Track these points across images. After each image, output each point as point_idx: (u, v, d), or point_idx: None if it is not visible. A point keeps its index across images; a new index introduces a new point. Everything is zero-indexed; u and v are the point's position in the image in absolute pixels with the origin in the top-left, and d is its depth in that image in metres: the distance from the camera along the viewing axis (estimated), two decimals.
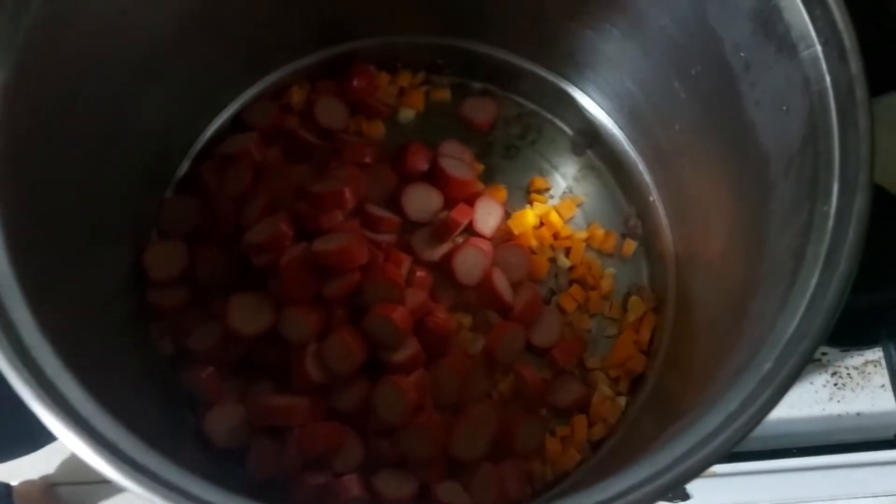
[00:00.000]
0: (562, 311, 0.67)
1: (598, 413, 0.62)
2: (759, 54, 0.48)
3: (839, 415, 0.72)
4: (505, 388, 0.63)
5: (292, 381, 0.59)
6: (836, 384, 0.73)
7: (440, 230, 0.64)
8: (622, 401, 0.63)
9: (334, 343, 0.58)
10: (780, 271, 0.43)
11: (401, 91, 0.72)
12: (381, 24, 0.69)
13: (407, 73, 0.72)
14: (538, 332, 0.65)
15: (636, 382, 0.64)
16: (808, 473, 0.69)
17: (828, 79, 0.43)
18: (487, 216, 0.67)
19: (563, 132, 0.73)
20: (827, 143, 0.43)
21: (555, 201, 0.70)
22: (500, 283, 0.64)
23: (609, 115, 0.69)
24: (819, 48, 0.44)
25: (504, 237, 0.67)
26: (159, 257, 0.61)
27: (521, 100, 0.73)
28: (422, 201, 0.66)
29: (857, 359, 0.73)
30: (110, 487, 1.28)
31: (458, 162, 0.67)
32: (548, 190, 0.71)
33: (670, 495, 0.64)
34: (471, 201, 0.66)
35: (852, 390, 0.73)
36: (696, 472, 0.37)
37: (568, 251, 0.69)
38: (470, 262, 0.64)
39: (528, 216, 0.68)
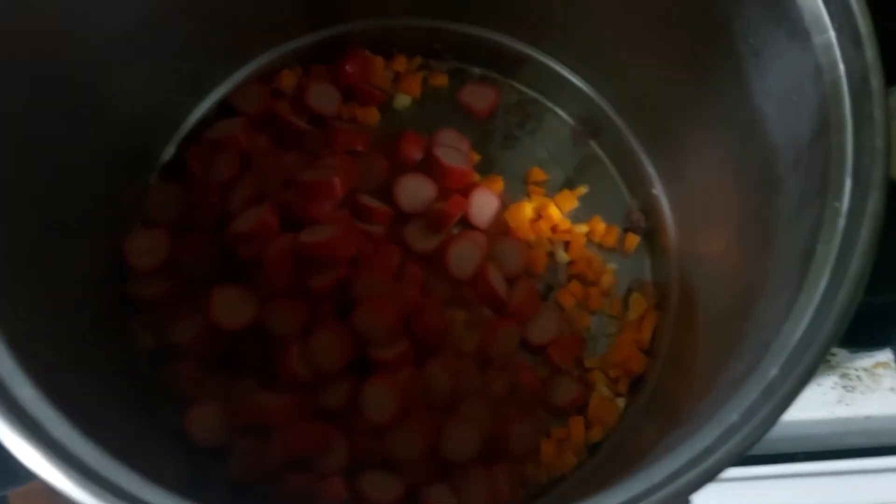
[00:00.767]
0: (560, 307, 0.64)
1: (596, 414, 0.60)
2: (769, 41, 0.45)
3: (848, 418, 0.70)
4: (499, 387, 0.60)
5: (277, 377, 0.57)
6: (844, 386, 0.71)
7: (434, 222, 0.62)
8: (621, 402, 0.61)
9: (320, 339, 0.56)
10: (787, 271, 0.41)
11: (396, 76, 0.69)
12: (375, 5, 0.66)
13: (403, 58, 0.69)
14: (535, 329, 0.62)
15: (636, 383, 0.61)
16: (815, 479, 0.67)
17: (841, 67, 0.40)
18: (483, 208, 0.64)
19: (564, 122, 0.70)
20: (839, 136, 0.40)
21: (554, 193, 0.68)
22: (495, 277, 0.62)
23: (612, 104, 0.66)
24: (833, 34, 0.41)
25: (500, 230, 0.65)
26: (141, 246, 0.59)
27: (521, 87, 0.70)
28: (415, 192, 0.63)
29: (866, 360, 0.71)
30: None
31: (454, 151, 0.65)
32: (546, 181, 0.68)
33: None
34: (466, 192, 0.64)
35: (861, 393, 0.70)
36: (693, 487, 0.34)
37: (567, 245, 0.66)
38: (464, 256, 0.61)
39: (526, 208, 0.65)
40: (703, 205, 0.58)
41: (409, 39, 0.69)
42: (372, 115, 0.68)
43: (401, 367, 0.57)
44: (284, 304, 0.57)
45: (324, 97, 0.66)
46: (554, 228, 0.66)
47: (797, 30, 0.42)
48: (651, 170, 0.65)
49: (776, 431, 0.69)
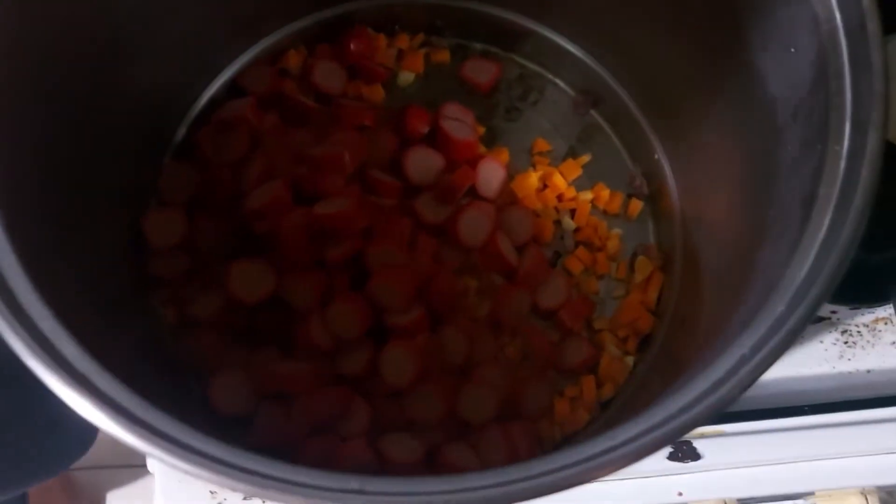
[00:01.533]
0: (568, 273, 0.66)
1: (607, 373, 0.62)
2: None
3: (849, 372, 0.72)
4: (512, 350, 0.62)
5: (296, 347, 0.58)
6: (846, 342, 0.72)
7: (443, 193, 0.63)
8: (630, 360, 0.62)
9: (338, 308, 0.58)
10: (789, 216, 0.42)
11: (399, 53, 0.71)
12: None
13: (405, 35, 0.71)
14: (545, 294, 0.64)
15: (644, 342, 0.63)
16: (820, 431, 0.69)
17: (838, 16, 0.42)
18: (490, 179, 0.66)
19: (566, 93, 0.71)
20: (838, 84, 0.41)
21: (558, 163, 0.69)
22: (505, 245, 0.63)
23: (612, 73, 0.68)
24: None
25: (507, 200, 0.66)
26: (158, 224, 0.60)
27: (522, 61, 0.71)
28: (423, 164, 0.65)
29: (867, 316, 0.73)
30: (125, 472, 1.29)
31: (459, 124, 0.66)
32: (550, 151, 0.70)
33: (680, 455, 0.64)
34: (473, 164, 0.65)
35: (862, 348, 0.72)
36: (706, 416, 0.36)
37: (573, 213, 0.67)
38: (474, 225, 0.63)
39: (532, 178, 0.67)
40: (704, 165, 0.59)
41: (410, 17, 0.70)
42: (377, 92, 0.69)
43: (417, 332, 0.58)
44: (301, 276, 0.58)
45: (329, 75, 0.68)
46: (560, 197, 0.67)
47: None
48: (652, 136, 0.66)
49: (780, 387, 0.71)
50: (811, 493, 0.68)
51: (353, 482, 0.34)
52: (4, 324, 0.35)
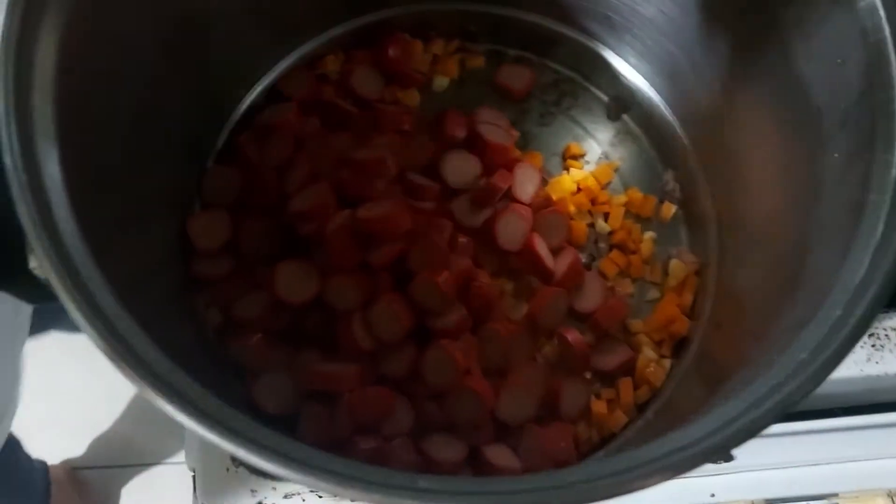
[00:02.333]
0: (603, 276, 0.67)
1: (643, 376, 0.63)
2: (812, 6, 0.47)
3: (877, 375, 0.72)
4: (549, 352, 0.63)
5: (339, 348, 0.59)
6: (873, 345, 0.73)
7: (481, 197, 0.64)
8: (667, 363, 0.63)
9: (381, 310, 0.58)
10: (838, 222, 0.43)
11: (435, 59, 0.72)
12: None
13: (440, 41, 0.72)
14: (581, 297, 0.65)
15: (680, 345, 0.64)
16: (848, 433, 0.70)
17: (886, 29, 0.43)
18: (526, 182, 0.67)
19: (599, 98, 0.72)
20: (887, 94, 0.43)
21: (591, 167, 0.70)
22: (542, 248, 0.64)
23: (646, 79, 0.69)
24: None
25: (542, 203, 0.67)
26: (203, 227, 0.61)
27: (556, 66, 0.73)
28: (461, 168, 0.66)
29: (894, 320, 0.74)
30: (134, 470, 1.30)
31: (495, 128, 0.67)
32: (583, 156, 0.71)
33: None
34: (509, 167, 0.66)
35: (890, 351, 0.73)
36: (769, 420, 0.37)
37: (606, 216, 0.68)
38: (511, 228, 0.64)
39: (566, 181, 0.68)
40: (742, 172, 0.60)
41: (445, 23, 0.71)
42: (412, 97, 0.70)
43: (458, 333, 0.59)
44: (345, 278, 0.59)
45: (367, 80, 0.69)
46: (594, 200, 0.68)
47: None
48: (686, 142, 0.67)
49: None
50: (837, 494, 0.69)
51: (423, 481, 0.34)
52: (86, 324, 0.36)
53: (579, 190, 0.69)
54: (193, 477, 0.63)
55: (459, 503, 0.34)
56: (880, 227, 0.40)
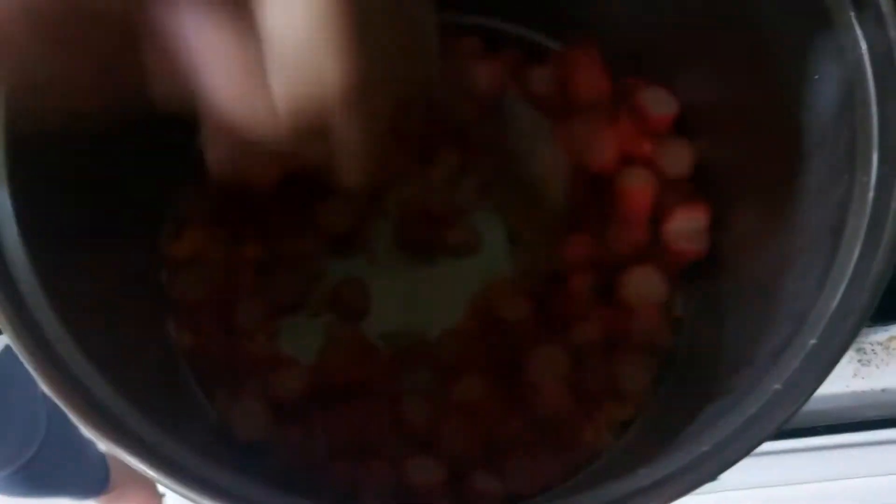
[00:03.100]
0: None
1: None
2: (789, 26, 0.47)
3: (864, 391, 0.72)
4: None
5: None
6: (860, 360, 0.72)
7: None
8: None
9: None
10: (818, 246, 0.42)
11: None
12: None
13: None
14: None
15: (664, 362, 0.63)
16: (834, 451, 0.69)
17: (863, 45, 0.42)
18: None
19: None
20: (864, 111, 0.41)
21: None
22: None
23: None
24: (853, 14, 0.42)
25: None
26: (178, 245, 0.60)
27: None
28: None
29: (881, 335, 0.73)
30: None
31: None
32: None
33: None
34: None
35: (877, 367, 0.72)
36: (740, 455, 0.36)
37: None
38: None
39: None
40: (723, 190, 0.59)
41: None
42: None
43: None
44: None
45: None
46: None
47: (817, 10, 0.44)
48: None
49: None
50: None
51: None
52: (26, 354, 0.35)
53: None
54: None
55: None
56: (856, 253, 0.39)
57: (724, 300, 0.58)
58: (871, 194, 0.40)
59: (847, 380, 0.72)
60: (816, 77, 0.45)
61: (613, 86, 0.60)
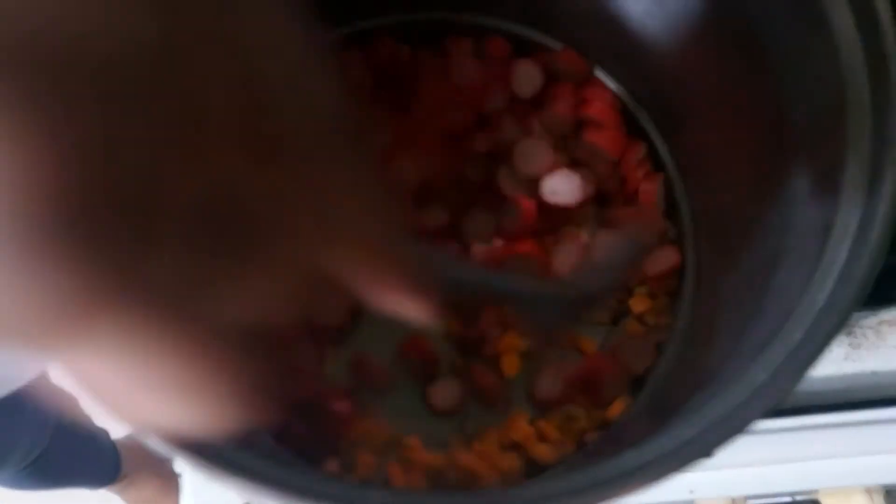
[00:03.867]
0: None
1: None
2: (787, 29, 0.47)
3: (855, 373, 0.74)
4: None
5: None
6: (850, 344, 0.74)
7: None
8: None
9: None
10: (806, 244, 0.44)
11: None
12: None
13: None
14: None
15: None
16: (827, 430, 0.71)
17: (860, 48, 0.43)
18: None
19: None
20: (857, 111, 0.42)
21: None
22: None
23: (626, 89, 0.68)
24: (848, 13, 0.43)
25: None
26: None
27: None
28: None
29: (871, 319, 0.74)
30: None
31: None
32: None
33: None
34: None
35: (867, 350, 0.74)
36: (724, 440, 0.38)
37: None
38: None
39: None
40: (716, 188, 0.60)
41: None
42: None
43: None
44: None
45: None
46: None
47: (812, 9, 0.44)
48: (664, 153, 0.67)
49: None
50: (817, 491, 0.70)
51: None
52: None
53: None
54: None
55: None
56: (845, 252, 0.40)
57: (722, 290, 0.59)
58: (861, 194, 0.41)
59: (839, 362, 0.74)
60: (814, 79, 0.46)
61: None
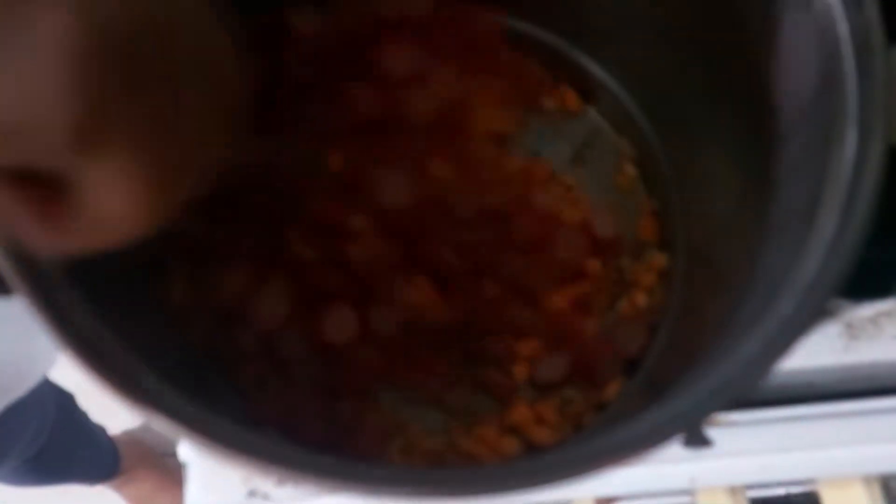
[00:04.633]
0: None
1: None
2: (771, 8, 0.48)
3: (853, 364, 0.74)
4: None
5: None
6: (849, 335, 0.74)
7: None
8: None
9: None
10: (794, 219, 0.44)
11: None
12: None
13: None
14: None
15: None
16: (826, 420, 0.71)
17: (842, 26, 0.43)
18: None
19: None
20: (842, 92, 0.43)
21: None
22: None
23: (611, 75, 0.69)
24: None
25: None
26: None
27: None
28: None
29: (869, 310, 0.75)
30: None
31: None
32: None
33: (692, 441, 0.66)
34: None
35: (866, 341, 0.74)
36: (711, 411, 0.38)
37: None
38: None
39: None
40: (706, 169, 0.61)
41: None
42: None
43: None
44: None
45: None
46: None
47: None
48: (651, 136, 0.68)
49: (787, 378, 0.73)
50: (816, 480, 0.71)
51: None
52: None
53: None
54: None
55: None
56: (832, 226, 0.40)
57: (708, 278, 0.60)
58: (847, 170, 0.42)
59: (838, 353, 0.74)
60: (798, 59, 0.47)
61: None
